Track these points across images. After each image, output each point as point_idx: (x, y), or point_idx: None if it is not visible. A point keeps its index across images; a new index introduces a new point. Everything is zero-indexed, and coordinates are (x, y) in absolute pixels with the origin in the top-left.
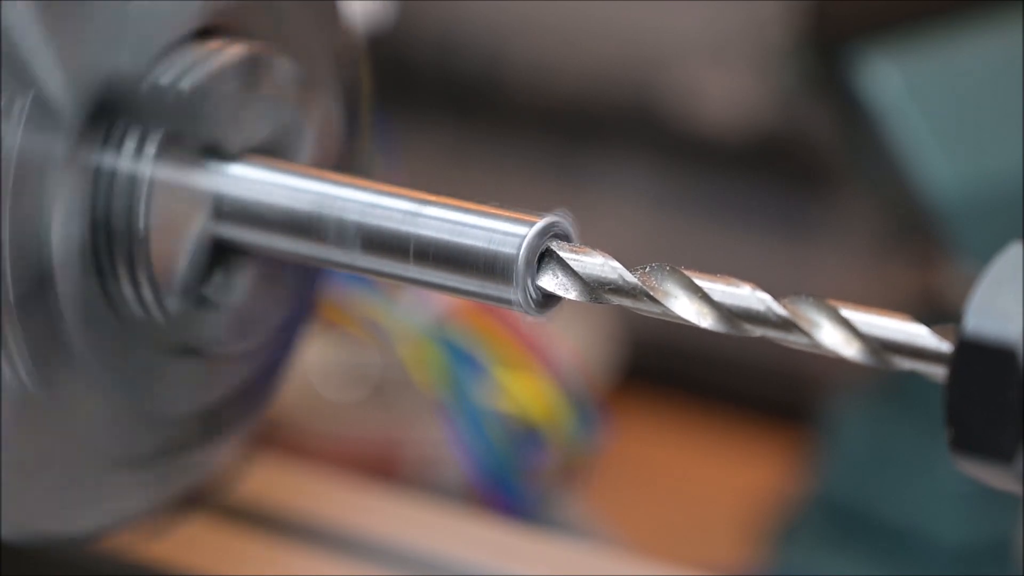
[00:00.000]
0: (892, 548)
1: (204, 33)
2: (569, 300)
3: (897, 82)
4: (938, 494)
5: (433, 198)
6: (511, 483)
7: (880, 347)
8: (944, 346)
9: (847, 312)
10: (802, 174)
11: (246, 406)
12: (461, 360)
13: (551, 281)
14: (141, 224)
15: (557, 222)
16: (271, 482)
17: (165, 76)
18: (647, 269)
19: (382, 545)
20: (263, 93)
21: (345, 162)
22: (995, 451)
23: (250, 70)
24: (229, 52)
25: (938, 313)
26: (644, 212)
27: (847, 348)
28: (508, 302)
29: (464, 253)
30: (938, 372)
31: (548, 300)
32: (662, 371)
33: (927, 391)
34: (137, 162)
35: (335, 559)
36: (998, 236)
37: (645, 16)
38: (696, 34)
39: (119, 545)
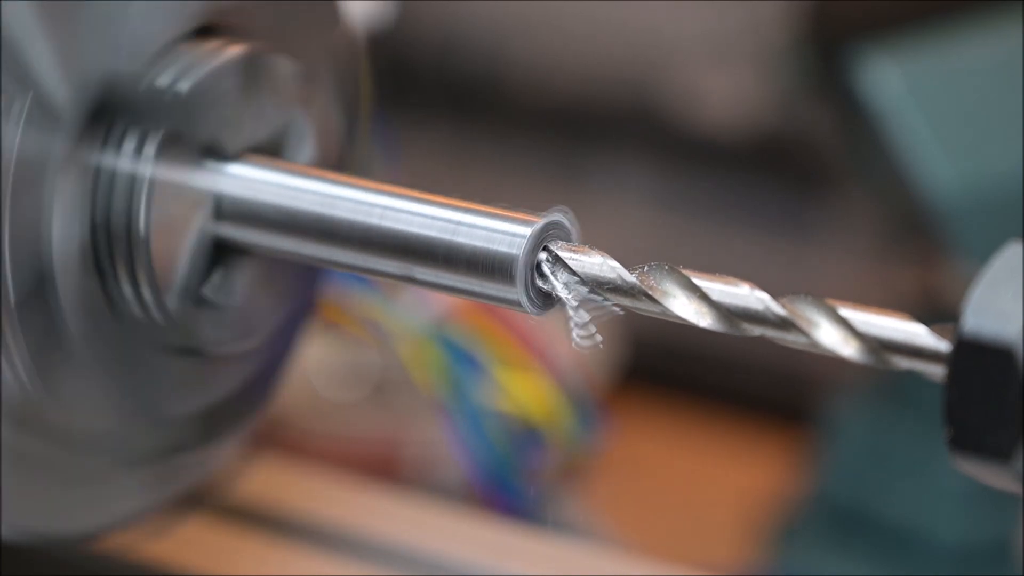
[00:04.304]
0: (892, 548)
1: (203, 32)
2: None
3: (897, 82)
4: (938, 494)
5: (433, 198)
6: (511, 483)
7: (879, 346)
8: (943, 345)
9: (845, 311)
10: (802, 174)
11: (246, 406)
12: (461, 360)
13: (551, 281)
14: (141, 224)
15: (557, 222)
16: (271, 482)
17: (164, 76)
18: (646, 269)
19: (382, 545)
20: (262, 93)
21: (344, 162)
22: (994, 450)
23: (249, 70)
24: (228, 52)
25: (938, 313)
26: (644, 212)
27: (845, 347)
28: (509, 302)
29: (464, 253)
30: (937, 371)
31: (548, 300)
32: (662, 371)
33: (926, 391)
34: (137, 162)
35: (335, 559)
36: (998, 236)
37: (645, 16)
38: (696, 34)
39: (119, 545)
